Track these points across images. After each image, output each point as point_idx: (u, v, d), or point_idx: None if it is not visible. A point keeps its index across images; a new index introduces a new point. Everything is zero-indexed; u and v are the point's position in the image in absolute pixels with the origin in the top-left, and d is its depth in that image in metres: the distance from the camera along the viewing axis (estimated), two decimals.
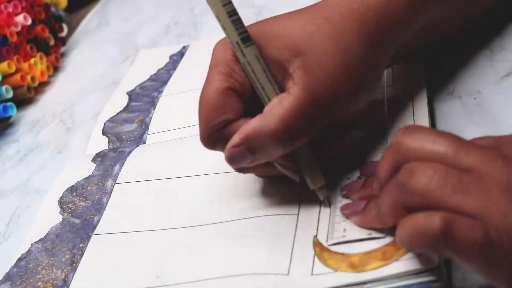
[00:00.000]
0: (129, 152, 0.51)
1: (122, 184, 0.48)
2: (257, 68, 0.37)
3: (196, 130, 0.51)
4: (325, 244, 0.36)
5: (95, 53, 0.77)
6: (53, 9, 0.78)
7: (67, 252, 0.43)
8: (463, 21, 0.46)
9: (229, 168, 0.45)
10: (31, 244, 0.45)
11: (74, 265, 0.42)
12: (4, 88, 0.65)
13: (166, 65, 0.64)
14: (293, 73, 0.36)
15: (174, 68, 0.63)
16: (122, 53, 0.74)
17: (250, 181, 0.43)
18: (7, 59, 0.67)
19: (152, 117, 0.56)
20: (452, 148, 0.30)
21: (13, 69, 0.67)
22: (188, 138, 0.51)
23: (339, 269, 0.34)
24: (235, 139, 0.37)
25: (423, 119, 0.42)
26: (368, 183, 0.37)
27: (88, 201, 0.47)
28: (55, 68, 0.75)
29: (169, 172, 0.47)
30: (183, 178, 0.46)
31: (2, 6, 0.69)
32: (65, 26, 0.80)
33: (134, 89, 0.62)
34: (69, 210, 0.47)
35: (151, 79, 0.63)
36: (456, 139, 0.30)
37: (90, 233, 0.44)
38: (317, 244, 0.36)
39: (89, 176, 0.50)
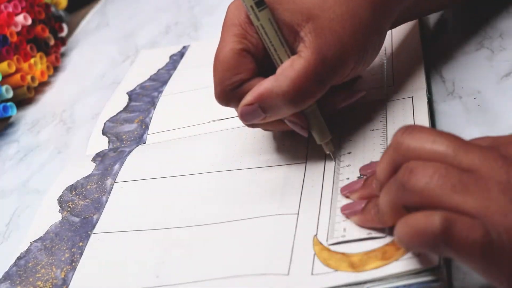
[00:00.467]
0: (129, 152, 0.51)
1: (121, 183, 0.48)
2: (270, 31, 0.39)
3: (196, 130, 0.51)
4: (325, 243, 0.36)
5: (95, 53, 0.77)
6: (53, 9, 0.78)
7: (67, 251, 0.43)
8: None
9: (228, 167, 0.45)
10: (31, 242, 0.45)
11: (73, 264, 0.42)
12: (4, 88, 0.65)
13: (166, 65, 0.64)
14: (305, 37, 0.39)
15: (174, 68, 0.63)
16: (122, 53, 0.74)
17: (250, 181, 0.43)
18: (7, 59, 0.67)
19: (152, 117, 0.56)
20: (451, 148, 0.30)
21: (13, 69, 0.67)
22: (188, 137, 0.51)
23: (339, 269, 0.34)
24: (249, 97, 0.39)
25: (423, 119, 0.42)
26: (368, 183, 0.37)
27: (87, 200, 0.47)
28: (55, 68, 0.75)
29: (169, 171, 0.47)
30: (183, 177, 0.46)
31: (2, 6, 0.69)
32: (65, 26, 0.80)
33: (134, 89, 0.62)
34: (69, 209, 0.47)
35: (151, 79, 0.63)
36: (456, 139, 0.30)
37: (89, 232, 0.44)
38: (317, 243, 0.36)
39: (89, 175, 0.50)
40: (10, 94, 0.65)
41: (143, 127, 0.55)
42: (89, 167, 0.51)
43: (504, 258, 0.28)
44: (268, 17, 0.39)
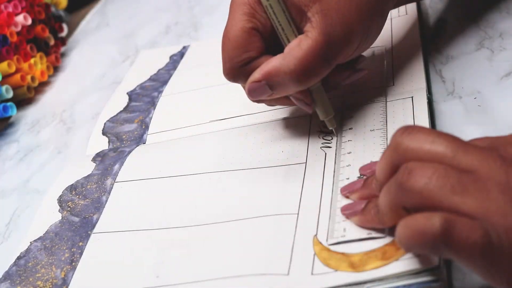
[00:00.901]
0: (129, 152, 0.51)
1: (121, 182, 0.48)
2: (278, 11, 0.40)
3: (196, 130, 0.51)
4: (325, 243, 0.36)
5: (95, 53, 0.77)
6: (53, 9, 0.78)
7: (67, 250, 0.43)
8: None
9: (228, 167, 0.45)
10: (30, 242, 0.45)
11: (73, 264, 0.42)
12: (4, 88, 0.65)
13: (166, 65, 0.64)
14: (312, 17, 0.40)
15: (174, 68, 0.63)
16: (122, 53, 0.74)
17: (250, 181, 0.43)
18: (7, 59, 0.67)
19: (152, 117, 0.56)
20: (450, 148, 0.30)
21: (13, 69, 0.67)
22: (188, 137, 0.51)
23: (339, 269, 0.34)
24: (257, 74, 0.41)
25: (423, 119, 0.42)
26: (367, 183, 0.37)
27: (87, 200, 0.47)
28: (55, 68, 0.75)
29: (169, 171, 0.47)
30: (183, 177, 0.46)
31: (2, 6, 0.69)
32: (65, 26, 0.80)
33: (134, 89, 0.62)
34: (68, 209, 0.47)
35: (151, 79, 0.63)
36: (455, 140, 0.30)
37: (89, 232, 0.44)
38: (316, 243, 0.36)
39: (89, 175, 0.50)
40: (10, 94, 0.65)
41: (143, 127, 0.55)
42: (89, 167, 0.51)
43: (503, 259, 0.28)
44: None
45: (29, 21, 0.70)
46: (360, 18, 0.40)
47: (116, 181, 0.48)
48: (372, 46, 0.51)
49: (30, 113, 0.68)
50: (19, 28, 0.69)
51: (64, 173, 0.52)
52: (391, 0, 0.43)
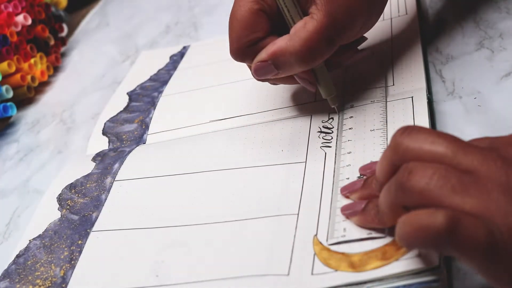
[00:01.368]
0: (129, 152, 0.51)
1: (121, 181, 0.48)
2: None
3: (196, 130, 0.51)
4: (325, 243, 0.36)
5: (95, 53, 0.78)
6: (53, 9, 0.78)
7: (66, 249, 0.43)
8: None
9: (228, 166, 0.45)
10: (30, 240, 0.45)
11: (72, 262, 0.42)
12: (4, 88, 0.65)
13: (166, 65, 0.64)
14: None
15: (174, 68, 0.63)
16: (122, 53, 0.74)
17: (250, 180, 0.43)
18: (7, 59, 0.67)
19: (152, 117, 0.56)
20: (450, 149, 0.30)
21: (13, 69, 0.67)
22: (188, 137, 0.51)
23: (339, 269, 0.34)
24: (263, 54, 0.42)
25: (423, 119, 0.42)
26: (368, 183, 0.37)
27: (86, 198, 0.47)
28: (55, 68, 0.75)
29: (168, 170, 0.47)
30: (182, 176, 0.46)
31: (2, 6, 0.69)
32: (65, 26, 0.80)
33: (135, 89, 0.62)
34: (68, 207, 0.47)
35: (151, 79, 0.63)
36: (455, 140, 0.30)
37: (88, 230, 0.44)
38: (317, 243, 0.36)
39: (89, 174, 0.50)
40: (10, 94, 0.65)
41: (143, 127, 0.55)
42: (89, 166, 0.51)
43: (506, 258, 0.27)
44: None
45: (29, 21, 0.70)
46: (362, 0, 0.42)
47: (115, 179, 0.48)
48: (372, 46, 0.51)
49: (30, 113, 0.68)
50: (19, 28, 0.69)
51: (63, 172, 0.52)
52: None
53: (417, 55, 0.48)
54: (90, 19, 0.87)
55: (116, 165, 0.49)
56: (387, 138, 0.41)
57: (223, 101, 0.54)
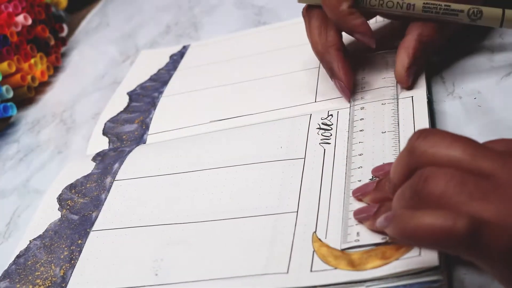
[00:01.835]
0: (129, 151, 0.51)
1: (121, 181, 0.48)
2: None
3: (196, 130, 0.51)
4: (324, 240, 0.36)
5: (96, 53, 0.78)
6: (53, 9, 0.78)
7: (66, 249, 0.43)
8: None
9: (227, 164, 0.45)
10: (30, 241, 0.45)
11: (72, 262, 0.42)
12: (4, 88, 0.65)
13: (167, 65, 0.64)
14: None
15: (175, 68, 0.63)
16: (122, 53, 0.74)
17: (249, 179, 0.43)
18: (8, 59, 0.67)
19: (152, 117, 0.56)
20: (468, 152, 0.29)
21: (14, 69, 0.67)
22: (188, 137, 0.51)
23: (338, 267, 0.34)
24: None
25: (423, 119, 0.42)
26: (380, 186, 0.36)
27: (86, 198, 0.47)
28: (56, 68, 0.75)
29: (167, 169, 0.47)
30: (182, 175, 0.46)
31: (2, 6, 0.69)
32: (65, 26, 0.80)
33: (135, 90, 0.62)
34: (68, 207, 0.47)
35: (151, 79, 0.63)
36: (472, 143, 0.29)
37: (88, 230, 0.44)
38: (316, 240, 0.36)
39: (89, 174, 0.50)
40: (11, 94, 0.65)
41: (144, 127, 0.55)
42: (89, 166, 0.51)
43: None
44: None
45: (30, 21, 0.70)
46: None
47: (115, 179, 0.48)
48: (374, 51, 0.50)
49: (31, 113, 0.68)
50: (19, 28, 0.69)
51: (64, 172, 0.52)
52: None
53: None
54: (90, 19, 0.87)
55: (116, 165, 0.49)
56: (399, 140, 0.41)
57: (223, 102, 0.54)
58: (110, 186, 0.47)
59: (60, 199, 0.48)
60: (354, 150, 0.42)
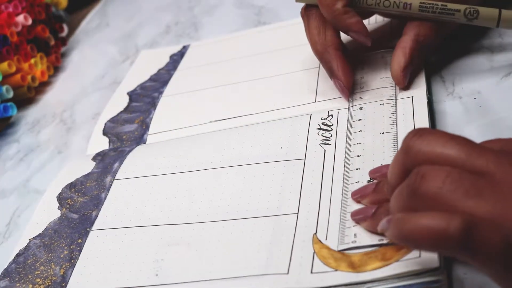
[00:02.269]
0: (129, 151, 0.51)
1: (120, 180, 0.48)
2: None
3: (196, 130, 0.51)
4: (324, 242, 0.36)
5: (95, 53, 0.78)
6: (53, 9, 0.78)
7: (66, 248, 0.43)
8: None
9: (229, 166, 0.45)
10: (29, 239, 0.45)
11: (72, 261, 0.42)
12: (4, 88, 0.65)
13: (167, 65, 0.64)
14: None
15: (175, 68, 0.63)
16: (122, 53, 0.74)
17: (250, 179, 0.43)
18: (8, 59, 0.67)
19: (152, 117, 0.56)
20: (463, 151, 0.29)
21: (14, 69, 0.67)
22: (188, 136, 0.51)
23: (338, 269, 0.34)
24: None
25: (423, 119, 0.42)
26: (379, 187, 0.36)
27: (86, 197, 0.47)
28: (56, 68, 0.75)
29: (168, 168, 0.47)
30: (182, 174, 0.46)
31: (3, 6, 0.69)
32: (65, 26, 0.80)
33: (135, 90, 0.62)
34: (67, 206, 0.47)
35: (151, 79, 0.63)
36: (467, 142, 0.30)
37: (88, 229, 0.44)
38: (316, 241, 0.36)
39: (88, 173, 0.50)
40: (11, 94, 0.65)
41: (144, 127, 0.55)
42: (89, 166, 0.51)
43: None
44: None
45: (30, 21, 0.70)
46: None
47: (115, 178, 0.48)
48: (373, 50, 0.50)
49: (31, 113, 0.68)
50: (19, 28, 0.69)
51: (64, 171, 0.52)
52: None
53: None
54: (90, 19, 0.87)
55: (116, 164, 0.49)
56: (397, 141, 0.41)
57: (223, 102, 0.54)
58: (110, 185, 0.47)
59: (60, 198, 0.48)
60: (352, 151, 0.42)
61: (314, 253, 0.36)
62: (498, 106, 0.42)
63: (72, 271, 0.41)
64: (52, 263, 0.43)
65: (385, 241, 0.34)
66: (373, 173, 0.39)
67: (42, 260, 0.43)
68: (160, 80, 0.62)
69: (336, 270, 0.34)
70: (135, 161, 0.49)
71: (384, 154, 0.40)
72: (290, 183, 0.41)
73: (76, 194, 0.48)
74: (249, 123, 0.49)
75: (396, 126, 0.42)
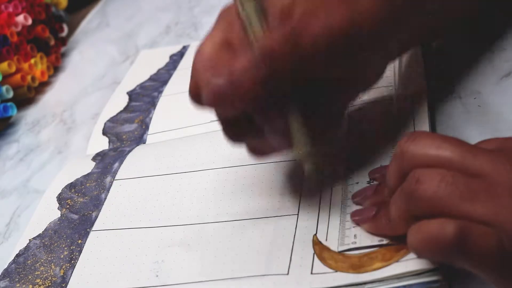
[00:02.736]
0: (129, 151, 0.51)
1: (120, 180, 0.48)
2: (253, 16, 0.34)
3: (196, 130, 0.51)
4: (325, 243, 0.36)
5: (95, 53, 0.78)
6: (53, 9, 0.78)
7: (66, 248, 0.43)
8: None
9: (228, 164, 0.45)
10: (29, 240, 0.45)
11: (72, 262, 0.42)
12: (4, 88, 0.65)
13: (166, 65, 0.64)
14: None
15: (174, 68, 0.63)
16: (122, 53, 0.74)
17: (250, 180, 0.43)
18: (8, 59, 0.67)
19: (152, 117, 0.56)
20: (457, 153, 0.29)
21: (14, 69, 0.67)
22: (188, 136, 0.51)
23: (339, 270, 0.34)
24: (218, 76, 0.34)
25: (423, 120, 0.42)
26: (380, 190, 0.36)
27: (86, 197, 0.47)
28: (56, 68, 0.75)
29: (168, 169, 0.47)
30: (182, 175, 0.46)
31: (3, 6, 0.69)
32: (65, 26, 0.80)
33: (134, 89, 0.62)
34: (68, 206, 0.47)
35: (151, 79, 0.63)
36: (461, 144, 0.30)
37: (88, 229, 0.44)
38: (316, 243, 0.36)
39: (88, 174, 0.50)
40: (11, 94, 0.65)
41: (143, 127, 0.55)
42: (88, 166, 0.51)
43: None
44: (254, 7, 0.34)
45: (30, 21, 0.70)
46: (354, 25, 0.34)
47: (115, 179, 0.48)
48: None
49: (30, 113, 0.68)
50: (19, 28, 0.69)
51: (63, 172, 0.52)
52: (382, 47, 0.37)
53: (417, 55, 0.48)
54: (90, 19, 0.87)
55: (116, 164, 0.49)
56: (397, 142, 0.41)
57: None
58: (110, 186, 0.47)
59: (59, 198, 0.48)
60: (352, 151, 0.42)
61: (314, 254, 0.36)
62: (498, 106, 0.42)
63: (72, 272, 0.41)
64: (52, 264, 0.43)
65: (385, 242, 0.34)
66: (373, 173, 0.39)
67: (42, 260, 0.43)
68: (160, 80, 0.62)
69: (336, 271, 0.34)
70: (135, 161, 0.49)
71: (384, 155, 0.40)
72: (290, 183, 0.41)
73: (76, 194, 0.48)
74: None
75: (396, 126, 0.42)
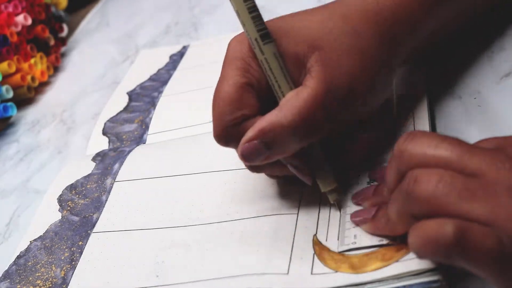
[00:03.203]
0: (129, 152, 0.51)
1: (121, 182, 0.48)
2: (274, 65, 0.37)
3: (196, 130, 0.51)
4: (325, 243, 0.36)
5: (95, 53, 0.78)
6: (53, 9, 0.78)
7: (66, 250, 0.43)
8: (469, 18, 0.46)
9: (229, 167, 0.45)
10: (30, 241, 0.45)
11: (73, 263, 0.42)
12: (4, 88, 0.65)
13: (166, 65, 0.64)
14: (311, 67, 0.36)
15: (174, 68, 0.63)
16: (122, 53, 0.74)
17: (250, 181, 0.43)
18: (8, 59, 0.67)
19: (152, 117, 0.56)
20: (455, 152, 0.29)
21: (13, 69, 0.67)
22: (188, 137, 0.51)
23: (339, 270, 0.34)
24: (250, 133, 0.36)
25: (423, 120, 0.42)
26: (379, 190, 0.36)
27: (87, 199, 0.47)
28: (55, 68, 0.75)
29: (168, 171, 0.47)
30: (182, 177, 0.46)
31: (2, 6, 0.69)
32: (65, 26, 0.80)
33: (134, 89, 0.62)
34: (68, 208, 0.47)
35: (151, 79, 0.63)
36: (459, 143, 0.30)
37: (89, 231, 0.44)
38: (316, 243, 0.36)
39: (89, 175, 0.50)
40: (10, 94, 0.65)
41: (143, 127, 0.55)
42: (89, 167, 0.51)
43: None
44: (273, 51, 0.36)
45: (29, 21, 0.70)
46: (364, 72, 0.37)
47: (116, 180, 0.48)
48: None
49: (30, 113, 0.68)
50: (19, 28, 0.69)
51: (64, 173, 0.52)
52: (399, 55, 0.40)
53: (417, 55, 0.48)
54: (90, 19, 0.87)
55: (116, 166, 0.49)
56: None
57: None
58: (111, 188, 0.47)
59: (60, 200, 0.48)
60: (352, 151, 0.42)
61: (314, 254, 0.36)
62: (498, 106, 0.42)
63: (72, 273, 0.41)
64: (53, 265, 0.43)
65: (384, 242, 0.34)
66: (373, 174, 0.39)
67: (42, 262, 0.43)
68: (159, 80, 0.62)
69: (336, 271, 0.34)
70: (136, 162, 0.49)
71: (384, 155, 0.40)
72: (291, 184, 0.41)
73: (77, 196, 0.48)
74: None
75: (396, 126, 0.42)
